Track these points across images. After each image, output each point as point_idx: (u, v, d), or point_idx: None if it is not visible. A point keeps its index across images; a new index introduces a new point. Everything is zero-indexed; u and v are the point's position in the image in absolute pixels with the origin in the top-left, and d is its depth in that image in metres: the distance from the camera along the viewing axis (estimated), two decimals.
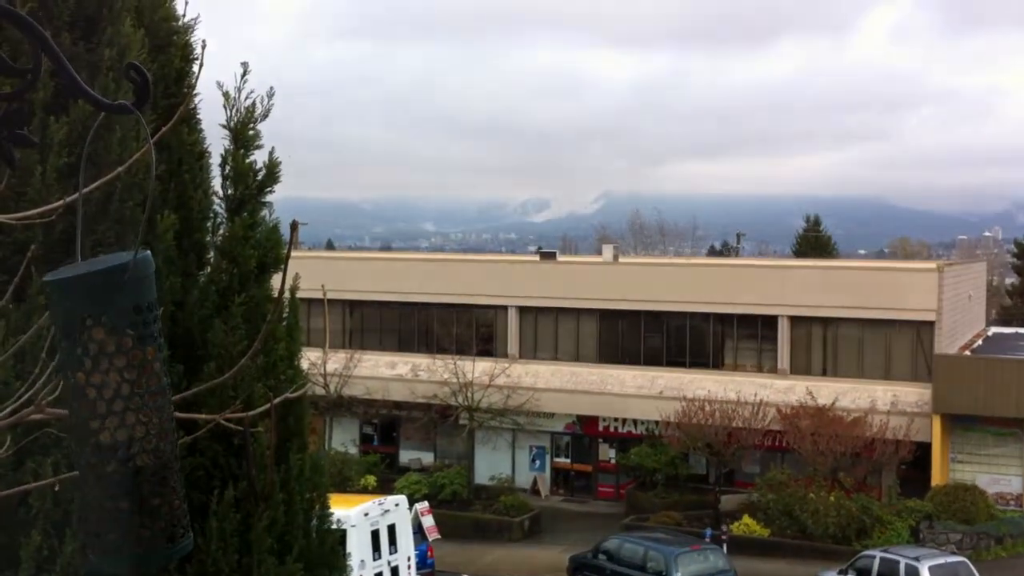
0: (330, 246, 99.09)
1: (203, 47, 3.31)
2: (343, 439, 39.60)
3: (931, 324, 33.49)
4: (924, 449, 32.17)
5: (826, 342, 35.57)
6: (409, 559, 24.78)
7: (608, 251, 44.29)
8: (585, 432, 38.03)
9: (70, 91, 1.76)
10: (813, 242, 67.76)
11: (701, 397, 33.49)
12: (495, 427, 37.38)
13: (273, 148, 7.63)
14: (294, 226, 3.67)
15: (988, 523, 30.44)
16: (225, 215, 7.64)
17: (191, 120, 7.37)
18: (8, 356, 4.68)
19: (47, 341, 2.91)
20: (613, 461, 37.57)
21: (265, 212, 7.74)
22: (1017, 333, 44.65)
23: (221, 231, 7.59)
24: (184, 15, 7.47)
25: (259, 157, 7.71)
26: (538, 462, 38.76)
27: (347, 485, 33.00)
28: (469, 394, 36.00)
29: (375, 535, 23.56)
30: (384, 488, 33.65)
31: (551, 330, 38.95)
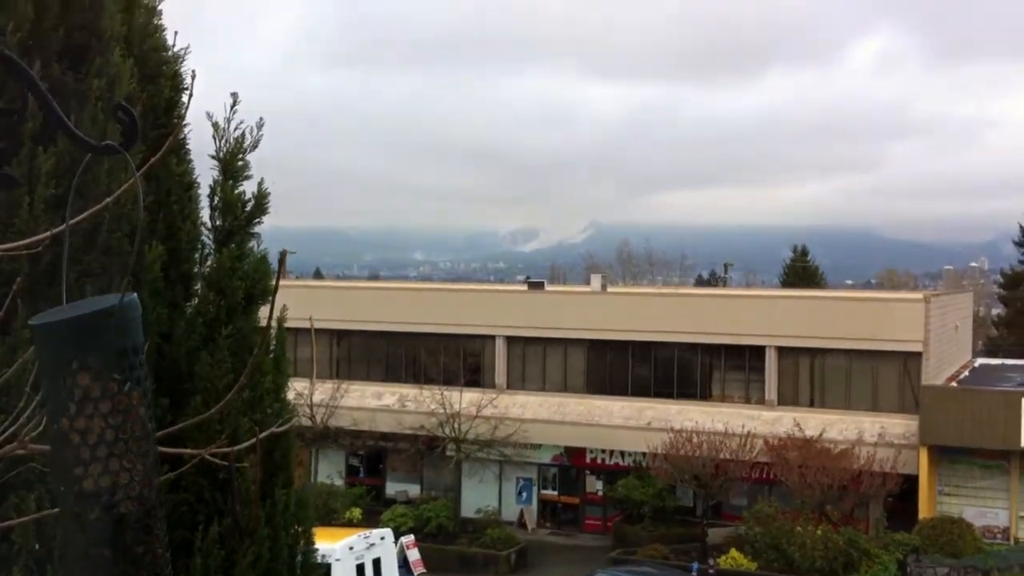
0: (318, 275, 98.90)
1: (192, 77, 3.28)
2: (329, 471, 39.38)
3: (918, 355, 33.55)
4: (911, 481, 32.12)
5: (813, 373, 35.59)
6: None
7: (596, 281, 44.35)
8: (572, 464, 37.88)
9: (57, 126, 1.72)
10: (800, 272, 68.02)
11: (688, 428, 33.41)
12: (482, 459, 37.20)
13: (262, 179, 7.60)
14: (282, 259, 3.63)
15: (975, 556, 30.34)
16: (213, 246, 7.59)
17: (180, 150, 7.34)
18: None
19: (31, 375, 2.87)
20: (600, 493, 37.40)
21: (253, 243, 7.70)
22: (1004, 364, 44.72)
23: (209, 262, 7.55)
24: (174, 45, 7.45)
25: (248, 187, 7.68)
26: (525, 494, 38.56)
27: (332, 518, 32.77)
28: (456, 425, 35.85)
29: (360, 569, 23.38)
30: (370, 521, 33.43)
31: (539, 360, 38.88)
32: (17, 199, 6.00)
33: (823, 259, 78.72)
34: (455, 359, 38.98)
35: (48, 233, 2.97)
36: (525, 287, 45.83)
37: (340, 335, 40.65)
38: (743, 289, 61.88)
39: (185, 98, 7.33)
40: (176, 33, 7.53)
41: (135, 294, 1.85)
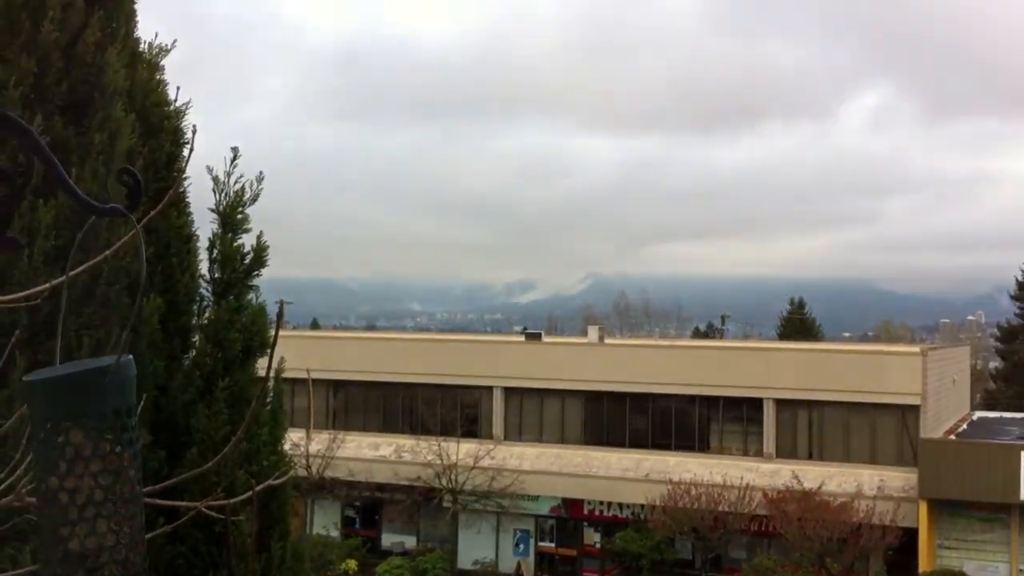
0: (315, 325, 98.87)
1: (193, 132, 3.33)
2: (325, 522, 39.11)
3: (916, 408, 33.51)
4: (911, 535, 31.95)
5: (811, 425, 35.51)
6: None
7: (593, 332, 44.35)
8: (570, 515, 37.66)
9: (61, 188, 1.76)
10: (798, 325, 68.06)
11: (687, 480, 33.28)
12: (479, 510, 36.99)
13: (261, 232, 7.66)
14: (280, 313, 3.65)
15: None
16: (212, 298, 7.63)
17: (180, 204, 7.39)
18: None
19: (28, 427, 2.88)
20: (598, 545, 37.14)
21: (252, 295, 7.73)
22: (1002, 417, 44.62)
23: (207, 314, 7.58)
24: (175, 100, 7.53)
25: (247, 240, 7.73)
26: (522, 546, 38.28)
27: (328, 569, 32.51)
28: (453, 476, 35.68)
29: None
30: (365, 573, 33.16)
31: (536, 411, 38.79)
32: (16, 251, 6.04)
33: (820, 311, 78.81)
34: (452, 410, 38.90)
35: (47, 285, 2.99)
36: (522, 338, 45.83)
37: (337, 385, 40.58)
38: (740, 341, 61.89)
39: (186, 152, 7.40)
40: (178, 88, 7.62)
41: (131, 355, 1.85)
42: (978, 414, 46.10)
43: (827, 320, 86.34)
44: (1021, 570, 32.16)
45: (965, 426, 39.95)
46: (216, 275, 7.63)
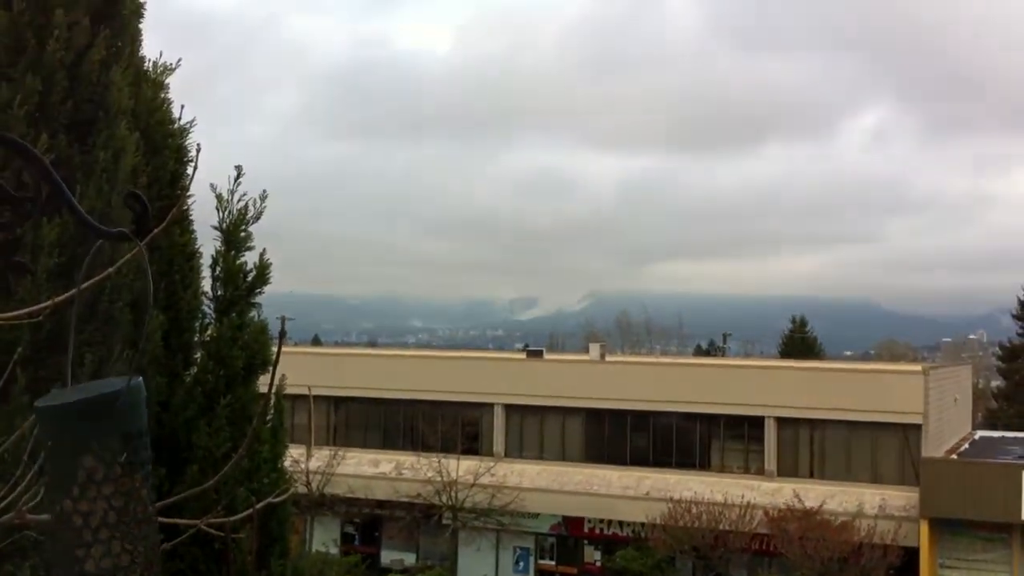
0: (316, 341, 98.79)
1: (198, 150, 3.37)
2: (324, 538, 39.00)
3: (918, 427, 33.45)
4: (912, 554, 31.85)
5: (813, 444, 35.44)
6: None
7: (595, 349, 44.32)
8: (571, 533, 37.56)
9: (68, 212, 1.78)
10: (799, 343, 67.96)
11: (687, 499, 33.21)
12: (479, 527, 36.90)
13: (264, 250, 7.70)
14: (282, 330, 3.68)
15: None
16: (214, 315, 7.65)
17: (183, 221, 7.43)
18: None
19: (30, 444, 2.90)
20: (599, 564, 37.04)
21: (254, 313, 7.76)
22: (1004, 437, 44.53)
23: (209, 331, 7.60)
24: (179, 118, 7.58)
25: (250, 258, 7.77)
26: (522, 564, 38.18)
27: None
28: (453, 493, 35.61)
29: None
30: None
31: (537, 428, 38.74)
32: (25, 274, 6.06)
33: (821, 330, 78.72)
34: (453, 427, 38.84)
35: (50, 303, 3.02)
36: (524, 355, 45.80)
37: (337, 402, 40.55)
38: (742, 359, 61.83)
39: (190, 170, 7.44)
40: (183, 107, 7.66)
41: (140, 377, 1.87)
42: (980, 433, 46.01)
43: (828, 339, 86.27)
44: None
45: (967, 445, 39.88)
46: (219, 292, 7.66)
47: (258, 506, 3.78)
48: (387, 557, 39.60)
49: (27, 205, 1.58)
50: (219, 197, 7.45)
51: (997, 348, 71.66)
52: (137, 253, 1.87)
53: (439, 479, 35.56)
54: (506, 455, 38.25)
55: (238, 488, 6.88)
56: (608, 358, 44.51)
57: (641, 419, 37.10)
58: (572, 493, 36.42)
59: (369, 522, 40.17)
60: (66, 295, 3.28)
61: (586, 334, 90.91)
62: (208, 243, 7.65)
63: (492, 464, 36.51)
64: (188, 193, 6.97)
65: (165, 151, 7.28)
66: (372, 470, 38.74)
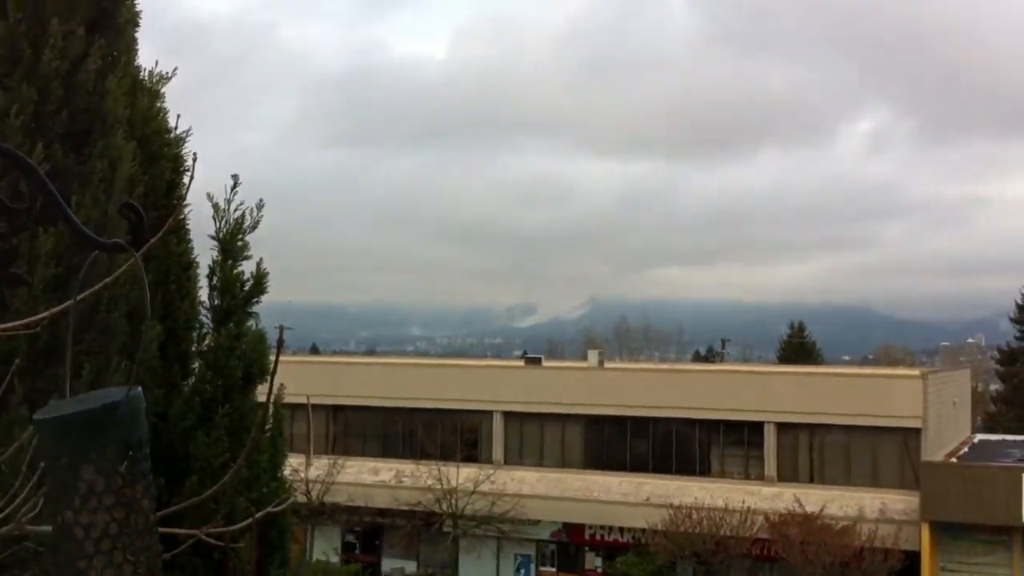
0: (315, 350, 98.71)
1: (194, 160, 3.35)
2: (324, 547, 38.94)
3: (917, 431, 33.44)
4: (913, 558, 31.82)
5: (812, 449, 35.43)
6: None
7: (594, 356, 44.29)
8: (571, 540, 37.51)
9: (64, 223, 1.77)
10: (798, 348, 67.99)
11: (688, 504, 33.19)
12: (480, 535, 36.85)
13: (261, 259, 7.67)
14: (280, 341, 3.66)
15: None
16: (211, 325, 7.64)
17: (180, 231, 7.42)
18: None
19: (28, 455, 2.88)
20: (599, 570, 36.99)
21: (252, 322, 7.74)
22: (1004, 440, 44.53)
23: (207, 341, 7.58)
24: (176, 127, 7.57)
25: (247, 267, 7.76)
26: (523, 571, 38.13)
27: None
28: (453, 501, 35.56)
29: None
30: None
31: (536, 435, 38.71)
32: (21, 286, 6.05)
33: (820, 335, 78.69)
34: (452, 434, 38.81)
35: (47, 313, 3.00)
36: (522, 362, 45.78)
37: (337, 410, 40.51)
38: (741, 365, 61.81)
39: (186, 179, 7.43)
40: (179, 116, 7.65)
41: (139, 388, 1.86)
42: (979, 437, 46.00)
43: (827, 344, 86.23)
44: None
45: (966, 449, 39.87)
46: (216, 302, 7.65)
47: (258, 515, 3.77)
48: (388, 565, 39.53)
49: (23, 216, 1.57)
50: (216, 207, 7.44)
51: (995, 352, 71.69)
52: (133, 263, 1.86)
53: (439, 487, 35.53)
54: (506, 462, 38.21)
55: (238, 498, 6.86)
56: (607, 365, 44.49)
57: (641, 425, 37.08)
58: (572, 500, 36.38)
59: (369, 531, 40.11)
60: (62, 306, 3.26)
61: (585, 341, 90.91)
62: (205, 253, 7.64)
63: (492, 471, 36.48)
64: (185, 203, 6.96)
65: (161, 160, 7.27)
66: (372, 478, 38.69)
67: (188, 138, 7.57)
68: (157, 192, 7.12)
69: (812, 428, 35.05)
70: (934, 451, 34.32)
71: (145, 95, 7.31)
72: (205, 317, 7.67)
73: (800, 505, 32.62)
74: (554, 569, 38.02)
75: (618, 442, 37.56)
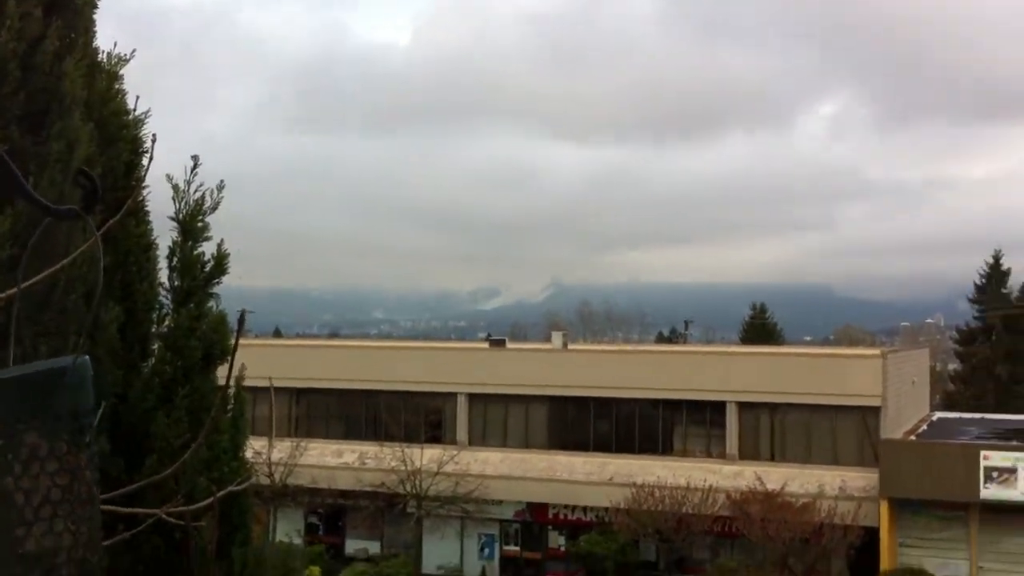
0: (278, 334, 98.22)
1: (153, 141, 3.37)
2: (287, 529, 38.89)
3: (876, 409, 33.88)
4: (872, 534, 32.28)
5: (774, 428, 35.81)
6: None
7: (557, 338, 44.45)
8: (535, 519, 37.72)
9: (16, 192, 1.80)
10: (760, 329, 68.61)
11: (651, 483, 33.46)
12: (443, 515, 36.98)
13: (222, 240, 7.67)
14: (241, 319, 3.69)
15: None
16: (171, 306, 7.63)
17: (139, 212, 7.40)
18: None
19: None
20: (563, 549, 37.23)
21: (212, 303, 7.74)
22: (961, 418, 45.18)
23: (167, 322, 7.58)
24: (135, 109, 7.54)
25: (207, 248, 7.75)
26: (487, 550, 38.31)
27: None
28: (417, 482, 35.63)
29: None
30: None
31: (500, 417, 38.85)
32: None
33: (781, 316, 79.36)
34: (416, 416, 38.86)
35: (2, 295, 3.01)
36: (487, 345, 45.87)
37: (300, 393, 40.43)
38: (703, 346, 62.24)
39: (145, 161, 7.41)
40: (137, 98, 7.62)
41: (87, 356, 1.84)
42: (938, 415, 46.63)
43: (788, 325, 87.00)
44: (981, 567, 32.58)
45: (925, 427, 40.42)
46: (176, 283, 7.64)
47: (219, 494, 3.81)
48: (351, 546, 39.58)
49: None
50: (175, 187, 7.43)
51: (954, 332, 72.60)
52: (89, 238, 1.89)
53: (403, 468, 35.59)
54: (470, 443, 38.34)
55: (198, 478, 6.88)
56: (570, 347, 44.68)
57: (604, 406, 37.31)
58: (536, 480, 36.57)
59: (333, 512, 40.12)
60: (15, 285, 3.27)
61: (549, 323, 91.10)
62: (165, 235, 7.63)
63: (456, 452, 36.57)
64: (144, 184, 6.95)
65: (120, 142, 7.25)
66: (335, 460, 38.69)
67: (147, 120, 7.55)
68: (115, 173, 7.09)
69: (773, 407, 35.43)
70: (893, 429, 34.78)
71: (104, 77, 7.28)
72: (165, 298, 7.66)
73: (761, 483, 32.99)
74: (518, 548, 38.23)
75: (582, 422, 37.78)
